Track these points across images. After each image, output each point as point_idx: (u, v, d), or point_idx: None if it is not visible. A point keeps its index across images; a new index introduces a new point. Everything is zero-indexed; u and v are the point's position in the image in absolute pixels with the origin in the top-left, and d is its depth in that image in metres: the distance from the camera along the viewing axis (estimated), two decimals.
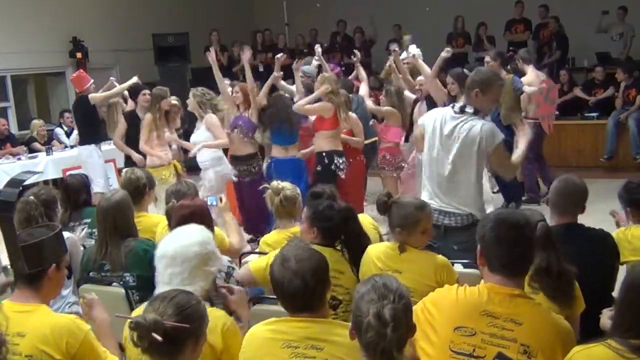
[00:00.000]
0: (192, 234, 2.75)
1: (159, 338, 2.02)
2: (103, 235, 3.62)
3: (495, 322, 2.24)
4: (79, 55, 11.33)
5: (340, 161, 6.37)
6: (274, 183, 4.06)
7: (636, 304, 2.08)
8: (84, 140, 7.97)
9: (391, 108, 6.91)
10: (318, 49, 7.68)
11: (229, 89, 6.78)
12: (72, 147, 9.71)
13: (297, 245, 2.49)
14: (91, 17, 11.66)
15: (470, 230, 3.71)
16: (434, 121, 4.05)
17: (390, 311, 1.94)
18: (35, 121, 10.32)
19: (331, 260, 2.50)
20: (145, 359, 2.13)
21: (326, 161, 6.34)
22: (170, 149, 6.94)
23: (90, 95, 7.61)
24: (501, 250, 2.32)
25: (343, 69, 9.19)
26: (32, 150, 9.65)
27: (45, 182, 8.41)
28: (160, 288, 2.57)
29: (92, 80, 7.80)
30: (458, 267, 3.37)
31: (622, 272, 3.04)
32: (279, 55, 7.15)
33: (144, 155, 6.99)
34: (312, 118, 6.54)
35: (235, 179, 6.60)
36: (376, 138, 7.17)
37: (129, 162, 7.30)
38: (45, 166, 8.78)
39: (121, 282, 3.51)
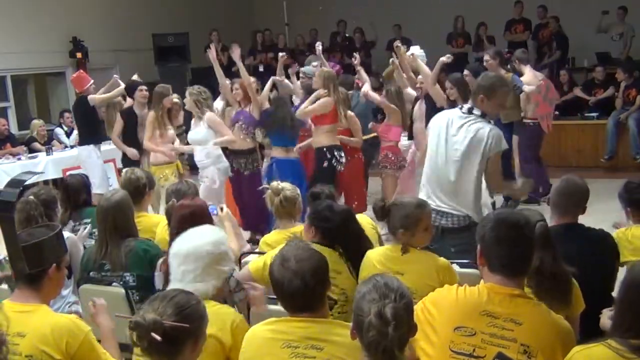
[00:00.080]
0: (206, 234, 2.79)
1: (158, 338, 2.02)
2: (103, 235, 3.62)
3: (495, 322, 2.24)
4: (79, 55, 11.32)
5: (341, 154, 6.41)
6: (274, 183, 4.06)
7: (636, 304, 2.08)
8: (83, 141, 7.98)
9: (393, 106, 6.92)
10: (318, 47, 7.68)
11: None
12: (72, 147, 9.70)
13: (297, 245, 2.49)
14: (91, 17, 11.66)
15: (467, 233, 3.78)
16: (440, 121, 4.06)
17: (392, 310, 1.95)
18: (35, 121, 10.31)
19: (329, 260, 2.51)
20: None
21: (328, 156, 6.37)
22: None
23: (90, 97, 7.61)
24: (501, 250, 2.32)
25: (342, 71, 9.18)
26: (32, 150, 9.65)
27: (45, 182, 8.39)
28: (172, 285, 2.62)
29: (92, 81, 7.80)
30: (455, 268, 3.36)
31: (622, 272, 3.04)
32: (281, 54, 7.16)
33: (140, 152, 7.02)
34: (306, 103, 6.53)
35: (231, 174, 6.60)
36: (375, 134, 7.15)
37: (125, 158, 7.32)
38: (45, 166, 8.77)
39: (121, 282, 3.51)
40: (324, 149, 6.39)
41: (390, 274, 2.96)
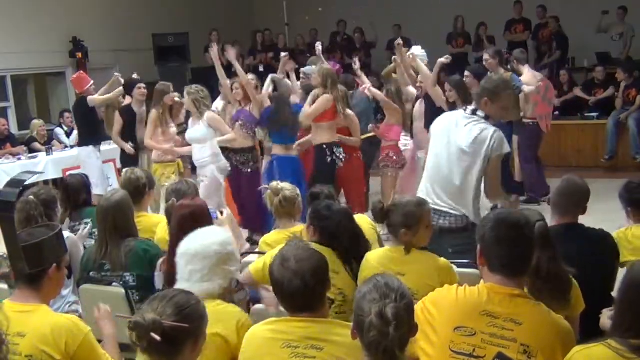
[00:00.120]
0: (214, 234, 2.83)
1: (157, 338, 2.02)
2: (103, 235, 3.62)
3: (495, 322, 2.24)
4: (79, 55, 11.33)
5: (340, 151, 6.42)
6: (273, 183, 4.06)
7: (636, 304, 2.07)
8: (83, 141, 7.98)
9: (393, 104, 6.91)
10: (318, 47, 7.68)
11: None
12: (72, 147, 9.70)
13: (297, 245, 2.49)
14: (91, 17, 11.66)
15: (465, 233, 3.79)
16: (444, 122, 4.08)
17: (393, 310, 1.95)
18: (35, 121, 10.31)
19: (328, 260, 2.51)
20: None
21: (328, 153, 6.38)
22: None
23: (89, 98, 7.61)
24: (501, 250, 2.32)
25: (342, 70, 9.18)
26: (32, 150, 9.65)
27: (45, 182, 8.40)
28: (180, 284, 2.66)
29: (92, 82, 7.80)
30: (454, 268, 3.37)
31: (622, 272, 3.04)
32: (284, 54, 7.17)
33: (138, 150, 7.02)
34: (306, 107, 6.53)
35: (230, 172, 6.60)
36: (373, 134, 7.13)
37: (124, 158, 7.32)
38: (45, 166, 8.77)
39: (121, 282, 3.51)
40: (324, 146, 6.40)
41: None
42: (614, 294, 2.89)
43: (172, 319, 2.07)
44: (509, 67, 7.75)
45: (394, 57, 6.77)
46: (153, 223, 4.24)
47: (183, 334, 2.10)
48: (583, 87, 10.67)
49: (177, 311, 2.11)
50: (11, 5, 10.55)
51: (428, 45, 7.42)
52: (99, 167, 7.88)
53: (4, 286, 3.47)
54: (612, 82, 10.12)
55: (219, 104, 7.38)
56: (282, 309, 2.83)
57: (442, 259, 3.19)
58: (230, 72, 7.55)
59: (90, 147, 7.81)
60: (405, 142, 7.11)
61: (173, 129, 6.90)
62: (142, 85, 7.38)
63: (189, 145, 6.64)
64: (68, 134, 10.26)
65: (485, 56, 7.58)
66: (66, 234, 3.43)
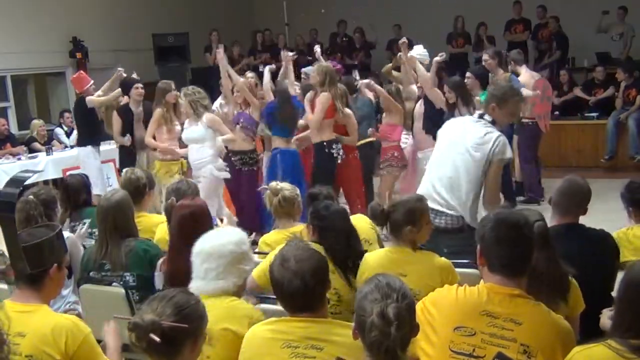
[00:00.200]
0: (230, 234, 2.86)
1: (156, 339, 2.02)
2: (103, 235, 3.62)
3: (495, 322, 2.24)
4: (79, 55, 11.32)
5: (339, 147, 6.44)
6: (273, 184, 4.07)
7: (635, 303, 2.07)
8: (82, 141, 7.97)
9: (395, 102, 6.90)
10: (317, 49, 7.67)
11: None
12: (72, 147, 9.70)
13: (297, 245, 2.50)
14: (91, 17, 11.65)
15: (460, 234, 3.84)
16: (453, 125, 4.19)
17: (394, 310, 1.95)
18: (35, 121, 10.30)
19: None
20: None
21: (326, 150, 6.38)
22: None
23: (88, 99, 7.61)
24: (501, 250, 2.32)
25: (343, 70, 9.17)
26: (32, 150, 9.64)
27: (45, 182, 8.40)
28: (195, 283, 2.73)
29: (92, 82, 7.79)
30: None
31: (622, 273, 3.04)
32: (291, 53, 7.18)
33: (136, 150, 7.04)
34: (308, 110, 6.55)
35: (228, 175, 6.59)
36: (374, 139, 7.10)
37: (122, 159, 7.32)
38: (45, 166, 8.75)
39: (121, 282, 3.51)
40: (324, 143, 6.40)
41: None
42: (614, 294, 2.90)
43: (172, 319, 2.07)
44: (509, 68, 7.76)
45: (399, 54, 6.74)
46: (153, 223, 4.24)
47: (182, 334, 2.10)
48: (583, 87, 10.67)
49: (177, 311, 2.11)
50: (11, 5, 10.54)
51: (428, 45, 7.42)
52: (98, 167, 7.87)
53: (4, 286, 3.48)
54: (612, 82, 10.12)
55: (220, 103, 7.37)
56: (272, 307, 2.86)
57: (443, 258, 3.19)
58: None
59: (89, 147, 7.80)
60: (404, 140, 7.10)
61: (178, 127, 6.88)
62: (140, 85, 7.36)
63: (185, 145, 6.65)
64: (68, 134, 10.25)
65: (485, 56, 7.59)
66: (66, 234, 3.43)
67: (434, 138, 6.06)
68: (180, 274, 3.16)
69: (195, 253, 2.79)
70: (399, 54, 6.86)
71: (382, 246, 3.77)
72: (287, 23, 13.49)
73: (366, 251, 3.47)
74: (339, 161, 6.42)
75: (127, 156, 7.26)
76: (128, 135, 7.23)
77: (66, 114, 10.35)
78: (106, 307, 3.31)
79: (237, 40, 12.43)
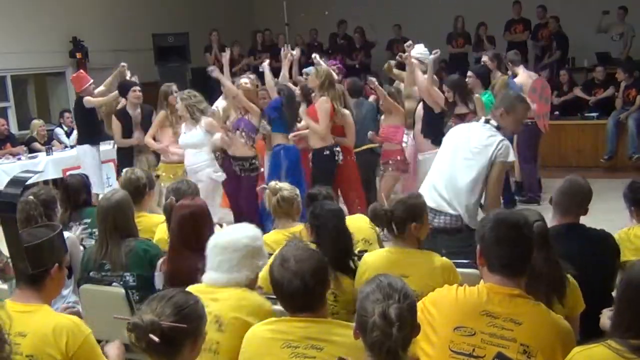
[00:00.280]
0: (245, 229, 2.92)
1: (156, 339, 2.02)
2: (103, 235, 3.62)
3: (495, 322, 2.24)
4: (79, 55, 11.32)
5: (339, 149, 6.45)
6: (272, 183, 4.07)
7: (634, 303, 2.07)
8: (81, 141, 7.99)
9: (396, 104, 6.89)
10: (316, 57, 7.56)
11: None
12: (72, 147, 9.70)
13: (297, 245, 2.50)
14: (91, 17, 11.66)
15: (459, 235, 3.88)
16: (459, 129, 4.26)
17: (396, 310, 1.95)
18: (35, 121, 10.31)
19: None
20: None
21: (328, 153, 6.39)
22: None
23: (85, 99, 7.60)
24: (501, 251, 2.32)
25: (345, 70, 9.16)
26: (32, 150, 9.65)
27: (45, 182, 8.40)
28: (207, 274, 2.80)
29: (91, 81, 7.79)
30: None
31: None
32: (293, 52, 7.17)
33: (133, 153, 7.03)
34: (308, 120, 6.54)
35: (225, 176, 6.58)
36: (375, 145, 7.07)
37: (121, 160, 7.31)
38: (45, 166, 8.77)
39: (121, 282, 3.51)
40: (325, 148, 6.41)
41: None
42: (615, 294, 2.90)
43: (171, 319, 2.07)
44: (508, 72, 7.78)
45: (405, 54, 6.72)
46: (153, 223, 4.24)
47: (182, 334, 2.10)
48: (583, 87, 10.67)
49: (176, 311, 2.11)
50: (11, 5, 10.55)
51: (428, 45, 7.42)
52: (97, 167, 7.87)
53: (4, 286, 3.48)
54: (612, 82, 10.12)
55: (220, 103, 7.36)
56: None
57: (444, 258, 3.19)
58: (231, 72, 7.51)
59: (87, 146, 7.81)
60: (405, 140, 7.08)
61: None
62: (137, 88, 7.32)
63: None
64: (68, 134, 10.26)
65: (484, 58, 7.60)
66: (66, 234, 3.43)
67: (432, 142, 6.13)
68: (180, 274, 3.17)
69: (210, 247, 2.85)
70: (405, 54, 6.84)
71: (382, 246, 3.77)
72: (287, 23, 13.47)
73: (366, 251, 3.48)
74: (340, 163, 6.43)
75: (126, 158, 7.21)
76: (136, 133, 7.19)
77: (66, 114, 10.35)
78: (106, 307, 3.31)
79: (237, 40, 12.43)
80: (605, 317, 2.60)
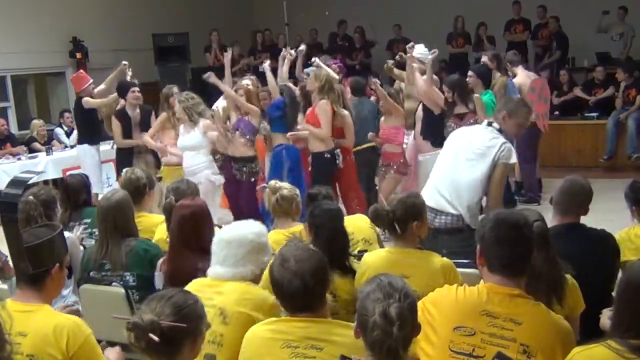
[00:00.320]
0: (251, 225, 2.93)
1: (155, 339, 2.02)
2: (103, 235, 3.62)
3: (495, 321, 2.24)
4: (79, 55, 11.32)
5: (339, 152, 6.45)
6: (272, 182, 4.08)
7: (634, 303, 2.07)
8: (81, 141, 7.99)
9: (396, 104, 6.89)
10: (315, 60, 7.54)
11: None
12: (72, 147, 9.71)
13: (297, 245, 2.50)
14: (91, 17, 11.66)
15: (459, 235, 3.89)
16: (461, 131, 4.31)
17: (397, 310, 1.95)
18: (35, 121, 10.31)
19: None
20: None
21: (328, 156, 6.39)
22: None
23: (84, 100, 7.60)
24: (501, 251, 2.32)
25: (345, 69, 9.14)
26: (32, 150, 9.65)
27: (45, 182, 8.40)
28: (212, 268, 2.82)
29: (91, 81, 7.78)
30: None
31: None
32: (293, 52, 7.17)
33: (132, 154, 7.02)
34: (308, 126, 6.55)
35: (223, 179, 6.57)
36: (375, 143, 7.06)
37: (119, 157, 7.29)
38: (45, 166, 8.77)
39: (121, 282, 3.51)
40: (326, 152, 6.41)
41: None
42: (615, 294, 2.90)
43: (171, 318, 2.07)
44: (508, 73, 7.78)
45: (407, 55, 6.72)
46: (153, 223, 4.24)
47: (181, 334, 2.10)
48: (583, 87, 10.67)
49: (175, 311, 2.10)
50: (11, 5, 10.55)
51: (428, 45, 7.42)
52: (96, 166, 7.87)
53: (4, 286, 3.48)
54: (612, 82, 10.12)
55: (221, 103, 7.36)
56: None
57: (444, 258, 3.18)
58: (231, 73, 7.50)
59: (87, 146, 7.81)
60: (405, 139, 7.08)
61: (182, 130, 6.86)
62: (136, 89, 7.30)
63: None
64: (68, 134, 10.26)
65: (484, 58, 7.60)
66: (66, 234, 3.43)
67: (432, 144, 6.14)
68: (180, 274, 3.17)
69: (216, 241, 2.87)
70: (407, 54, 6.84)
71: (382, 246, 3.77)
72: (287, 23, 13.48)
73: (366, 251, 3.48)
74: (341, 165, 6.43)
75: (125, 160, 7.18)
76: (135, 134, 7.18)
77: (66, 114, 10.35)
78: (106, 307, 3.31)
79: (237, 40, 12.42)
80: (605, 317, 2.59)
